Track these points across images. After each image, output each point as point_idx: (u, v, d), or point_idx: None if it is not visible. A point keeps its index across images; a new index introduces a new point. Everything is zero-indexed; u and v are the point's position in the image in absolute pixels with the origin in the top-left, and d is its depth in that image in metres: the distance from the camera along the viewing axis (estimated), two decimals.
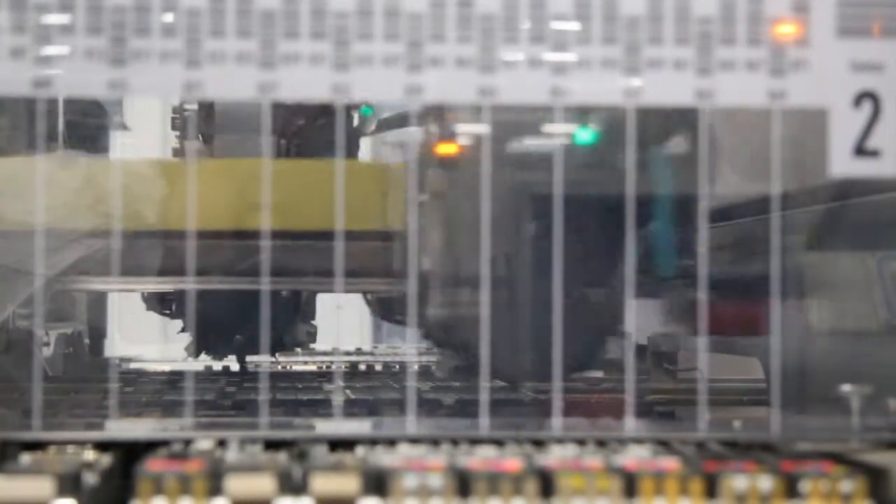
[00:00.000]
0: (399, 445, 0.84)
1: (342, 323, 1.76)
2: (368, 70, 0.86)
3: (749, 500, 0.74)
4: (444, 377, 1.53)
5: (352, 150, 1.56)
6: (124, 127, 1.65)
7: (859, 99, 0.88)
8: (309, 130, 1.48)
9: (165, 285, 1.50)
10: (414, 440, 0.85)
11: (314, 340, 1.74)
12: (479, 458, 0.78)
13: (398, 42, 0.86)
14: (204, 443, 0.84)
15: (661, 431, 0.90)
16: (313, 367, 1.86)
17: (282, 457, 0.79)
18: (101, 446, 0.83)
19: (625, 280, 1.01)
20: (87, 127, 1.51)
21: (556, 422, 0.88)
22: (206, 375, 1.67)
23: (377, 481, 0.74)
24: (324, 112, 1.45)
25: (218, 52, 0.86)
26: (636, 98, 0.88)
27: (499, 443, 0.85)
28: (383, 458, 0.78)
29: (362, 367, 1.91)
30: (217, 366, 1.74)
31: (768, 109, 0.88)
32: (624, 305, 1.19)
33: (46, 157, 1.19)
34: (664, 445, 0.85)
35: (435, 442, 0.85)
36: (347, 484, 0.73)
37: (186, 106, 1.50)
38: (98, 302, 1.91)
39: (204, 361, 1.73)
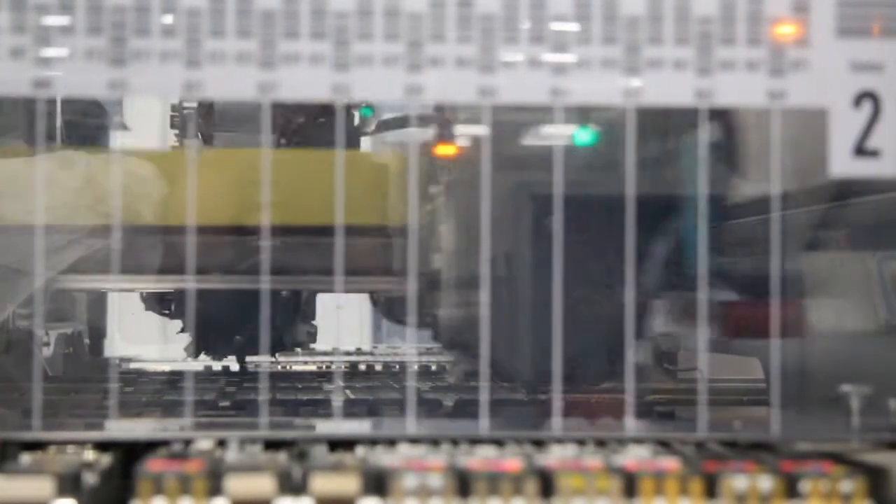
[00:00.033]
0: (399, 445, 0.84)
1: (342, 323, 1.76)
2: (368, 70, 0.86)
3: (749, 500, 0.74)
4: (457, 381, 1.52)
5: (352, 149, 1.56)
6: (124, 127, 1.64)
7: (859, 99, 0.88)
8: (309, 129, 1.48)
9: (165, 284, 1.50)
10: (414, 440, 0.85)
11: (314, 340, 1.74)
12: (479, 458, 0.78)
13: (398, 42, 0.86)
14: (204, 443, 0.84)
15: (661, 431, 0.90)
16: (313, 367, 1.86)
17: (282, 457, 0.79)
18: (101, 446, 0.83)
19: (650, 283, 1.00)
20: (86, 127, 1.51)
21: (556, 422, 0.88)
22: (206, 375, 1.66)
23: (377, 481, 0.74)
24: (324, 111, 1.44)
25: (218, 52, 0.86)
26: (636, 98, 0.88)
27: (499, 443, 0.85)
28: (383, 458, 0.78)
29: (362, 367, 1.91)
30: (217, 366, 1.74)
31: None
32: (650, 308, 1.18)
33: (46, 156, 1.19)
34: (664, 445, 0.85)
35: (435, 442, 0.85)
36: (347, 484, 0.73)
37: (186, 104, 1.50)
38: (98, 302, 1.91)
39: (204, 361, 1.73)
